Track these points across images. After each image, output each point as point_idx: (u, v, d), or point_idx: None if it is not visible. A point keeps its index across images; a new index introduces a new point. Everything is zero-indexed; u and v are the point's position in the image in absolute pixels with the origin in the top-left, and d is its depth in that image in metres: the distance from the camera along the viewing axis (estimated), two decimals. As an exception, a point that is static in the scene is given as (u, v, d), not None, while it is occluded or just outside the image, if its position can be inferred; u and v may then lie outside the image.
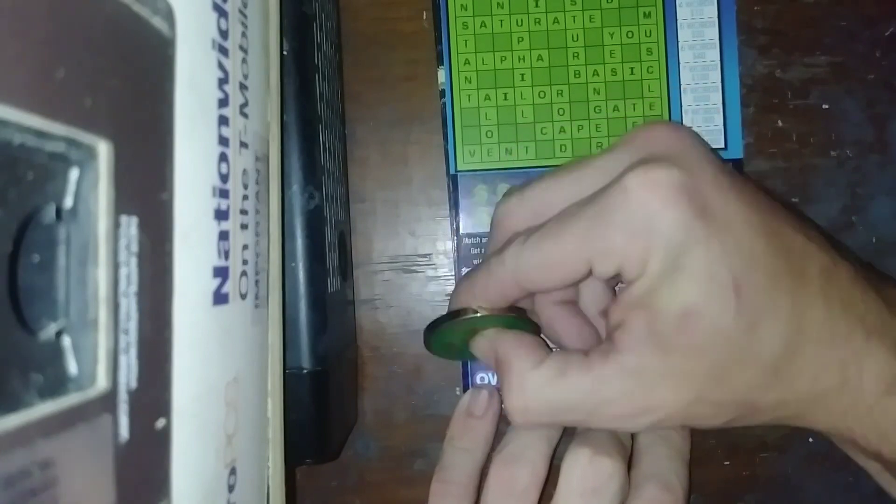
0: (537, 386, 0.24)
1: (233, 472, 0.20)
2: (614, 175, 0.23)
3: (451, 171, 0.33)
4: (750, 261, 0.22)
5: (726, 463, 0.34)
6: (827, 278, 0.23)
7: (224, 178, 0.19)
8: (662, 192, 0.21)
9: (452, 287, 0.34)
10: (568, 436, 0.30)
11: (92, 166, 0.14)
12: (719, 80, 0.34)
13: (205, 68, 0.18)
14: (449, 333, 0.28)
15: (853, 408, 0.23)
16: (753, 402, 0.23)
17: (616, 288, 0.28)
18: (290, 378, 0.25)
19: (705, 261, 0.21)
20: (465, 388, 0.33)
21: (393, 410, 0.34)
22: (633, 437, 0.30)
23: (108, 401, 0.14)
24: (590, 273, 0.23)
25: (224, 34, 0.19)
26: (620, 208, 0.22)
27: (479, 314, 0.26)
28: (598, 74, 0.33)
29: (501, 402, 0.32)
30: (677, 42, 0.34)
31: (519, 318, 0.27)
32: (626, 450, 0.28)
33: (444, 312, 0.27)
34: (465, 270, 0.33)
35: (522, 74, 0.33)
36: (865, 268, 0.25)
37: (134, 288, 0.15)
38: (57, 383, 0.13)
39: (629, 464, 0.29)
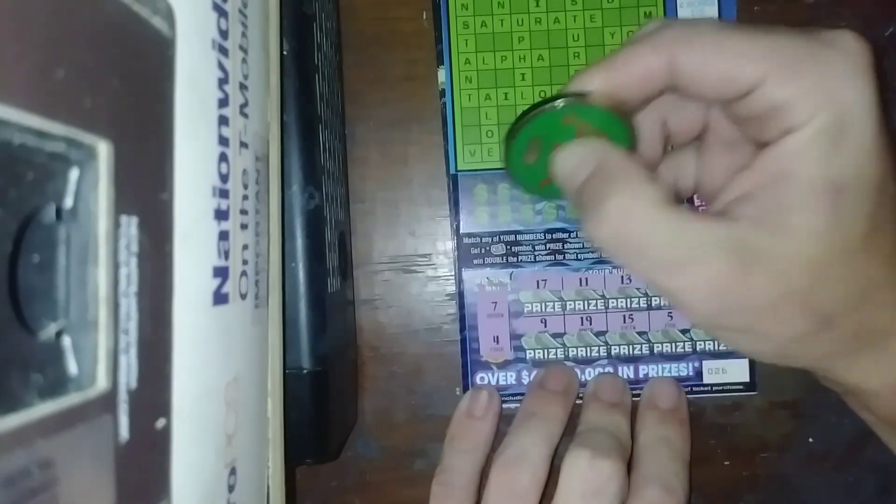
0: (650, 203, 0.20)
1: (233, 472, 0.20)
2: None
3: (452, 171, 0.33)
4: (893, 168, 0.20)
5: (726, 463, 0.34)
6: None
7: (224, 178, 0.19)
8: (868, 65, 0.20)
9: (452, 287, 0.34)
10: (566, 437, 0.30)
11: (92, 166, 0.14)
12: (719, 80, 0.34)
13: (205, 68, 0.18)
14: (543, 123, 0.22)
15: None
16: (833, 320, 0.21)
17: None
18: (290, 378, 0.25)
19: (872, 143, 0.20)
20: (465, 388, 0.33)
21: (393, 410, 0.34)
22: (633, 438, 0.31)
23: (108, 401, 0.14)
24: (742, 95, 0.20)
25: (224, 34, 0.19)
26: (831, 46, 0.20)
27: (594, 101, 0.21)
28: (598, 74, 0.33)
29: (502, 403, 0.33)
30: (677, 42, 0.34)
31: (629, 124, 0.22)
32: (626, 451, 0.28)
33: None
34: (465, 270, 0.33)
35: (523, 74, 0.33)
36: None
37: (134, 288, 0.15)
38: (57, 383, 0.13)
39: (629, 465, 0.29)
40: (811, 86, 0.19)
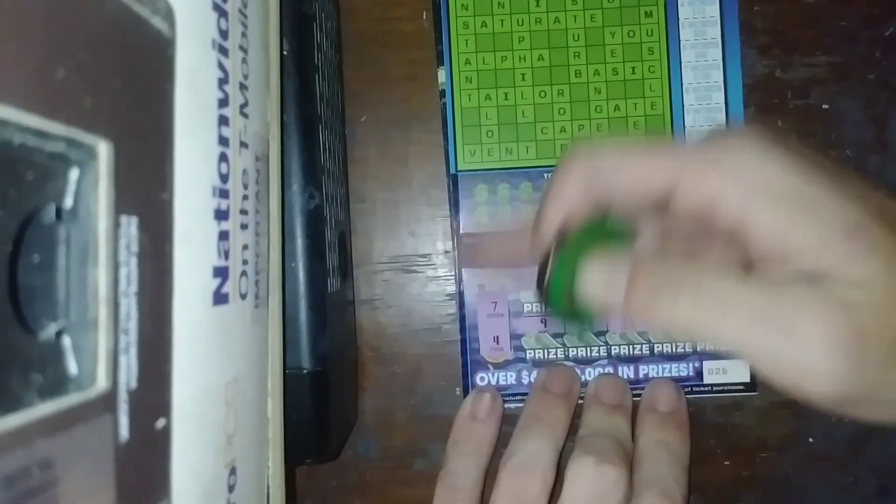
0: (732, 289, 0.19)
1: (233, 472, 0.20)
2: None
3: (452, 171, 0.33)
4: (874, 211, 0.19)
5: (726, 463, 0.34)
6: None
7: (224, 178, 0.19)
8: (776, 144, 0.20)
9: (452, 287, 0.34)
10: (568, 438, 0.30)
11: (92, 166, 0.14)
12: (721, 79, 0.34)
13: (205, 68, 0.18)
14: (558, 282, 0.22)
15: None
16: (880, 379, 0.19)
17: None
18: (290, 378, 0.25)
19: (828, 199, 0.19)
20: (465, 389, 0.33)
21: (393, 410, 0.34)
22: (634, 441, 0.31)
23: (108, 401, 0.14)
24: (660, 198, 0.21)
25: (224, 34, 0.19)
26: (730, 149, 0.20)
27: (580, 231, 0.21)
28: (599, 74, 0.33)
29: (504, 405, 0.33)
30: (679, 41, 0.34)
31: (614, 220, 0.22)
32: (628, 455, 0.28)
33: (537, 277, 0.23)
34: (465, 270, 0.33)
35: (523, 74, 0.33)
36: None
37: (134, 288, 0.15)
38: (57, 383, 0.13)
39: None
40: (729, 172, 0.19)
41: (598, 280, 0.22)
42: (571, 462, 0.28)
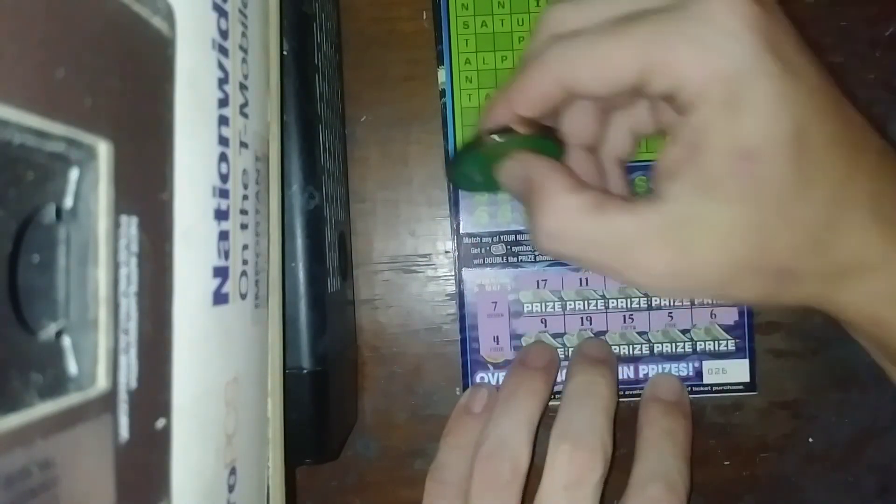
0: (575, 211, 0.22)
1: (233, 472, 0.20)
2: None
3: (452, 171, 0.33)
4: (815, 114, 0.20)
5: (726, 463, 0.34)
6: (881, 160, 0.22)
7: (224, 178, 0.19)
8: (744, 18, 0.20)
9: (452, 287, 0.34)
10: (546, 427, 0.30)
11: (92, 166, 0.14)
12: (719, 80, 0.34)
13: (205, 68, 0.18)
14: (475, 159, 0.25)
15: (888, 289, 0.22)
16: (793, 271, 0.21)
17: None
18: (290, 378, 0.25)
19: (772, 100, 0.20)
20: (465, 388, 0.33)
21: (393, 410, 0.34)
22: (637, 431, 0.31)
23: (108, 401, 0.14)
24: (637, 86, 0.21)
25: (224, 34, 0.19)
26: (696, 20, 0.20)
27: (507, 137, 0.23)
28: (598, 74, 0.33)
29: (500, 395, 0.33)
30: (677, 42, 0.34)
31: (550, 137, 0.24)
32: (607, 445, 0.28)
33: (469, 141, 0.25)
34: (465, 270, 0.33)
35: (522, 74, 0.33)
36: None
37: (134, 288, 0.15)
38: (57, 383, 0.13)
39: (633, 456, 0.29)
40: (690, 66, 0.20)
41: (506, 179, 0.25)
42: (549, 449, 0.28)
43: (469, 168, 0.26)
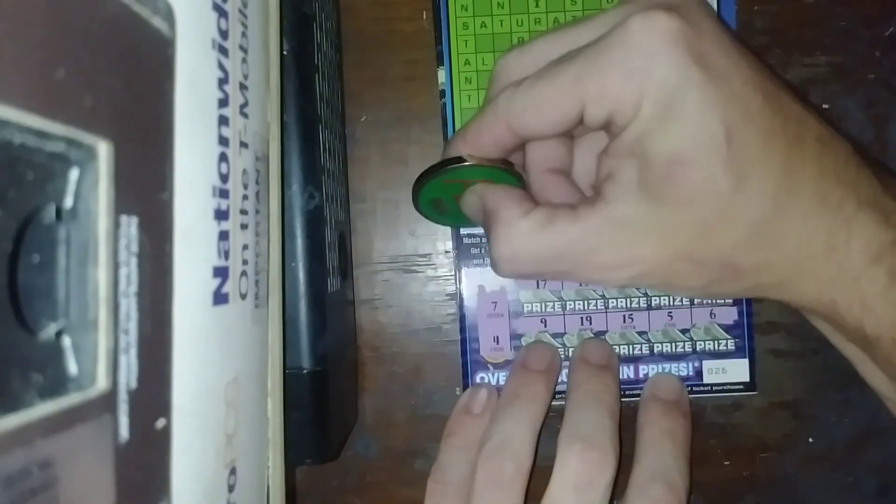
0: (525, 234, 0.24)
1: (233, 472, 0.20)
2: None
3: (452, 171, 0.33)
4: (745, 114, 0.21)
5: (726, 463, 0.34)
6: (822, 147, 0.23)
7: (224, 178, 0.19)
8: (664, 36, 0.21)
9: (452, 287, 0.34)
10: (555, 426, 0.30)
11: (92, 166, 0.14)
12: (719, 80, 0.34)
13: (205, 68, 0.18)
14: (436, 187, 0.27)
15: (839, 276, 0.23)
16: (736, 263, 0.23)
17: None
18: (290, 378, 0.25)
19: (699, 108, 0.21)
20: (466, 388, 0.33)
21: (393, 410, 0.34)
22: (637, 431, 0.31)
23: (108, 401, 0.14)
24: (581, 120, 0.23)
25: (224, 34, 0.19)
26: (619, 47, 0.21)
27: (466, 163, 0.25)
28: (598, 74, 0.33)
29: (499, 397, 0.33)
30: (677, 42, 0.34)
31: (507, 169, 0.26)
32: (616, 447, 0.28)
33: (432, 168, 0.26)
34: (465, 270, 0.33)
35: (522, 74, 0.33)
36: (865, 154, 0.24)
37: (134, 288, 0.15)
38: (57, 383, 0.13)
39: (633, 457, 0.29)
40: (620, 91, 0.21)
41: (466, 208, 0.27)
42: (559, 448, 0.28)
43: (433, 193, 0.28)
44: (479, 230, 0.33)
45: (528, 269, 0.25)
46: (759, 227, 0.22)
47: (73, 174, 0.13)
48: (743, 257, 0.23)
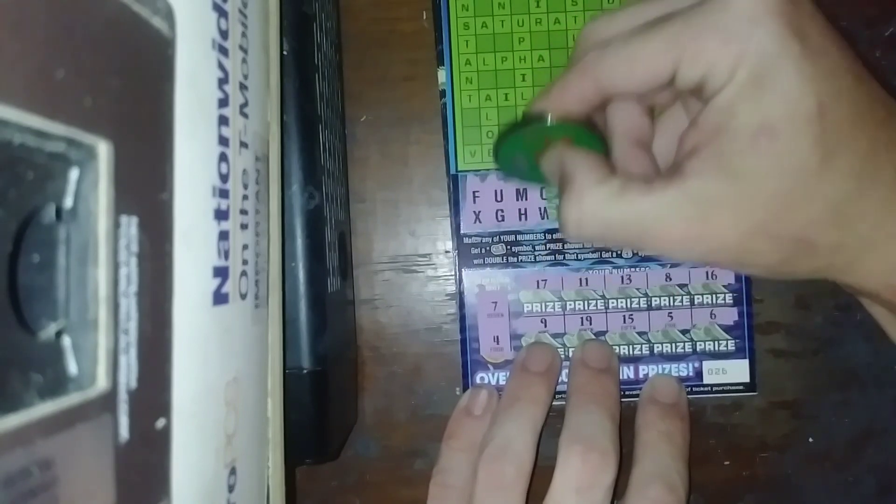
0: (596, 200, 0.23)
1: (233, 472, 0.20)
2: None
3: (452, 172, 0.33)
4: (837, 92, 0.21)
5: (726, 463, 0.34)
6: None
7: (224, 178, 0.19)
8: (766, 5, 0.21)
9: (452, 287, 0.34)
10: (555, 426, 0.30)
11: (92, 166, 0.14)
12: (719, 80, 0.34)
13: (205, 68, 0.18)
14: (518, 143, 0.26)
15: None
16: (812, 241, 0.22)
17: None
18: (290, 378, 0.25)
19: (794, 80, 0.21)
20: (465, 388, 0.33)
21: (393, 410, 0.34)
22: (636, 434, 0.31)
23: (108, 401, 0.14)
24: (670, 80, 0.23)
25: (224, 34, 0.19)
26: (721, 12, 0.21)
27: (548, 121, 0.25)
28: (598, 74, 0.33)
29: (500, 399, 0.33)
30: (677, 42, 0.34)
31: (590, 129, 0.26)
32: (617, 428, 0.28)
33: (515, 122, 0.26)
34: (465, 270, 0.33)
35: (524, 75, 0.33)
36: None
37: (134, 288, 0.15)
38: (57, 383, 0.13)
39: (632, 459, 0.29)
40: (717, 54, 0.21)
41: (545, 167, 0.26)
42: (560, 450, 0.28)
43: (513, 150, 0.27)
44: (479, 230, 0.33)
45: (595, 234, 0.24)
46: (841, 205, 0.22)
47: (73, 174, 0.13)
48: (820, 235, 0.22)
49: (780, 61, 0.21)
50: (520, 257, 0.33)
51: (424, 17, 0.34)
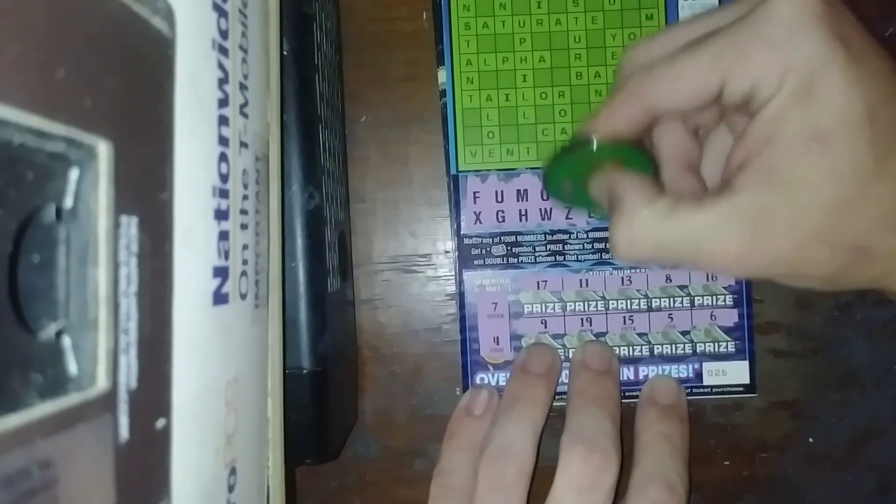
0: (647, 220, 0.23)
1: (233, 472, 0.20)
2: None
3: (452, 172, 0.33)
4: (885, 95, 0.21)
5: (726, 463, 0.34)
6: None
7: (224, 178, 0.19)
8: (809, 13, 0.21)
9: (452, 287, 0.34)
10: (555, 426, 0.30)
11: (92, 166, 0.14)
12: (720, 80, 0.34)
13: (205, 68, 0.18)
14: (567, 167, 0.27)
15: None
16: (869, 247, 0.22)
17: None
18: (290, 378, 0.25)
19: (842, 86, 0.21)
20: (465, 389, 0.33)
21: (393, 410, 0.34)
22: (635, 435, 0.31)
23: (108, 401, 0.14)
24: (717, 97, 0.23)
25: (224, 34, 0.19)
26: (764, 23, 0.21)
27: (597, 142, 0.25)
28: (599, 76, 0.33)
29: (500, 400, 0.33)
30: (678, 42, 0.34)
31: (638, 150, 0.26)
32: (618, 430, 0.28)
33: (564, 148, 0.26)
34: (465, 271, 0.33)
35: (524, 75, 0.33)
36: None
37: (134, 288, 0.15)
38: (57, 383, 0.13)
39: (631, 461, 0.29)
40: (765, 65, 0.21)
41: (594, 192, 0.26)
42: (562, 451, 0.28)
43: (562, 175, 0.27)
44: (480, 230, 0.33)
45: (647, 254, 0.24)
46: (895, 208, 0.22)
47: (73, 174, 0.13)
48: (877, 241, 0.22)
49: (827, 67, 0.21)
50: (520, 258, 0.33)
51: (424, 17, 0.34)
